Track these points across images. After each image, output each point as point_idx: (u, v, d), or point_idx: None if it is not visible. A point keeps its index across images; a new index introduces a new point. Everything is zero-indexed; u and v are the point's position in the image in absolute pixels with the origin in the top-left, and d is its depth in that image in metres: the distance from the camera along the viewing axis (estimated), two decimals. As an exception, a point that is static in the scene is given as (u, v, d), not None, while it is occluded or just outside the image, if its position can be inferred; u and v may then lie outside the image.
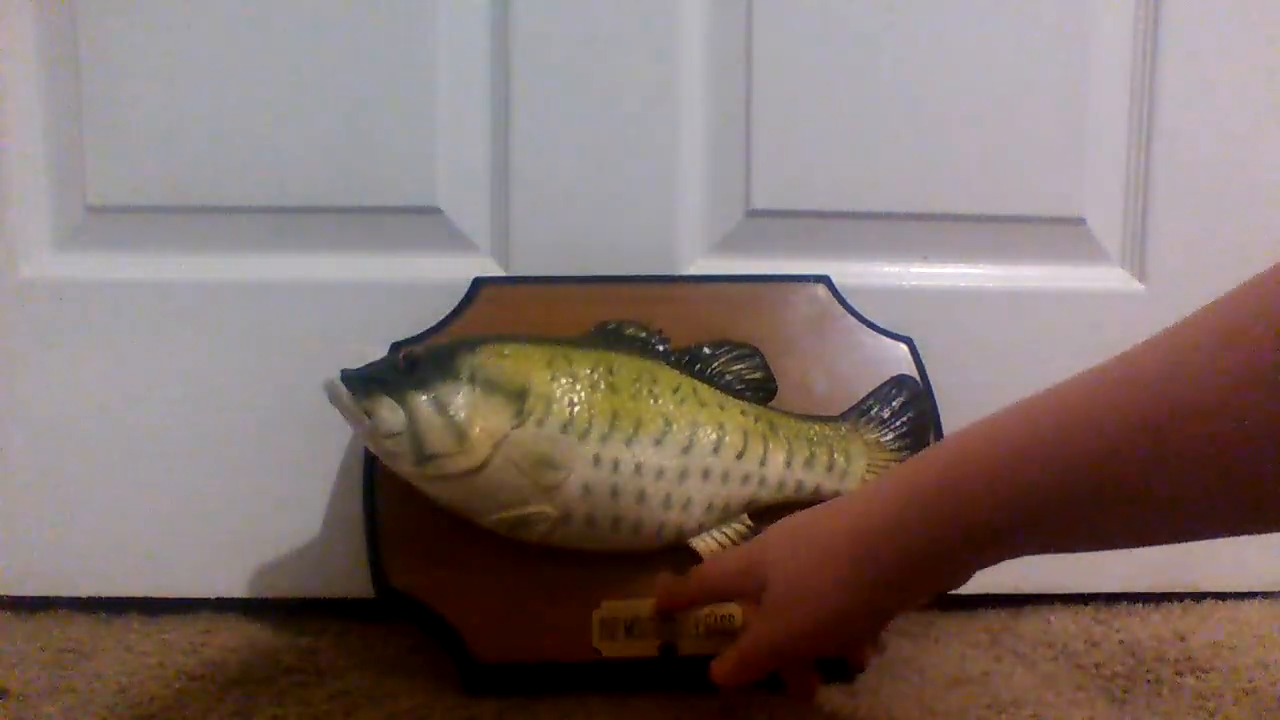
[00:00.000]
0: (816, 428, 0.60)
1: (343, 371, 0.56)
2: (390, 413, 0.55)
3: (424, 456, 0.55)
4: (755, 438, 0.59)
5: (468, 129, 0.69)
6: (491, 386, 0.57)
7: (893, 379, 0.63)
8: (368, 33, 0.68)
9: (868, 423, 0.61)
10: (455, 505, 0.57)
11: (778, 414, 0.60)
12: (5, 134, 0.68)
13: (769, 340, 0.62)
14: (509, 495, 0.56)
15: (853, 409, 0.62)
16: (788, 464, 0.59)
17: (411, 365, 0.56)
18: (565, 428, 0.57)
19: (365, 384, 0.55)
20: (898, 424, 0.61)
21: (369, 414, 0.55)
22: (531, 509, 0.56)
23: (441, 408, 0.56)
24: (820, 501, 0.59)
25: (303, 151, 0.68)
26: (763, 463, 0.59)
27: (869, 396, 0.62)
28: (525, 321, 0.62)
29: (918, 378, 0.63)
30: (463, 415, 0.56)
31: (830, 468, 0.60)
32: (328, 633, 0.66)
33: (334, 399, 0.55)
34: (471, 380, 0.57)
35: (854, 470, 0.60)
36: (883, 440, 0.61)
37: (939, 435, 0.63)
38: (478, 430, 0.56)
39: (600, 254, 0.68)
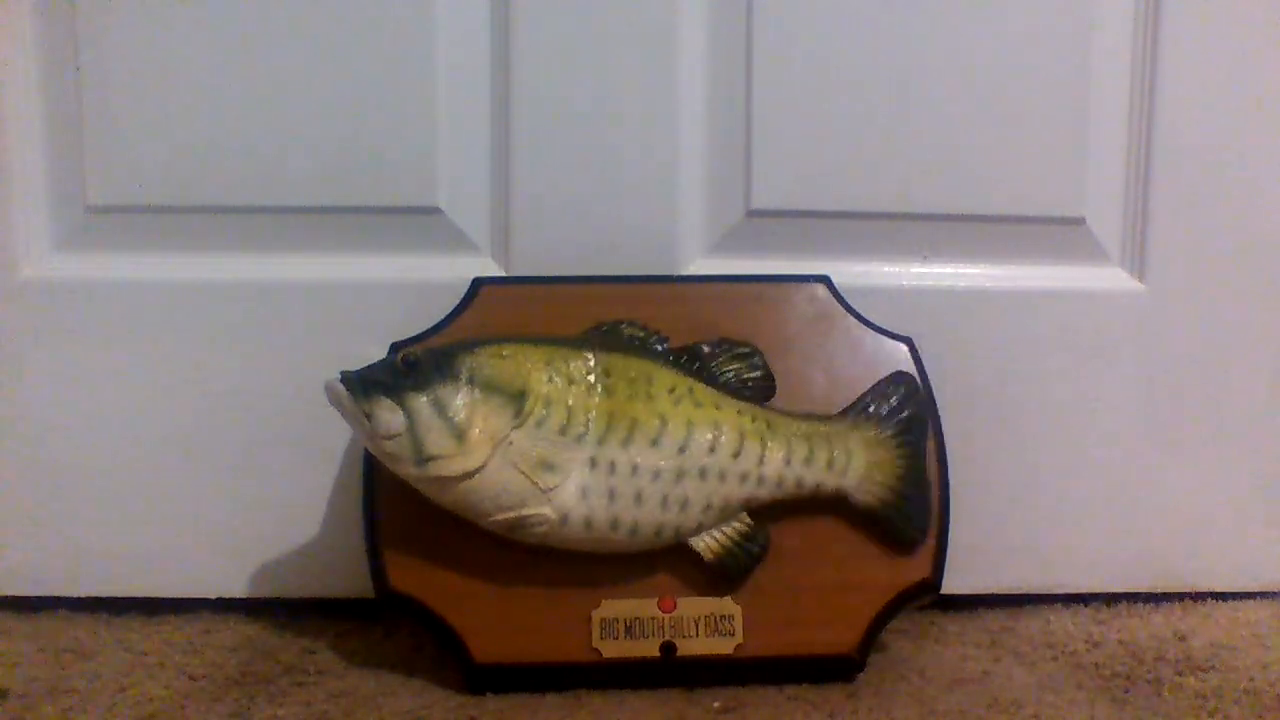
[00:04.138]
0: (815, 425, 0.60)
1: (342, 373, 0.56)
2: (389, 414, 0.55)
3: (423, 458, 0.55)
4: (752, 436, 0.59)
5: (468, 129, 0.69)
6: (491, 387, 0.57)
7: (890, 376, 0.63)
8: (368, 33, 0.68)
9: (865, 419, 0.61)
10: (454, 507, 0.57)
11: (775, 412, 0.60)
12: (5, 134, 0.68)
13: (769, 340, 0.62)
14: (508, 497, 0.56)
15: (851, 406, 0.62)
16: (786, 461, 0.59)
17: (410, 366, 0.56)
18: (563, 430, 0.57)
19: (365, 385, 0.55)
20: (895, 421, 0.61)
21: (368, 415, 0.55)
22: (530, 511, 0.56)
23: (441, 409, 0.56)
24: (821, 498, 0.60)
25: (303, 151, 0.68)
26: (760, 461, 0.59)
27: (866, 394, 0.62)
28: (525, 321, 0.62)
29: (916, 376, 0.63)
30: (462, 416, 0.56)
31: (830, 465, 0.60)
32: (328, 633, 0.66)
33: (334, 400, 0.55)
34: (471, 381, 0.57)
35: (854, 466, 0.60)
36: (880, 437, 0.61)
37: (938, 434, 0.63)
38: (477, 431, 0.56)
39: (600, 254, 0.68)
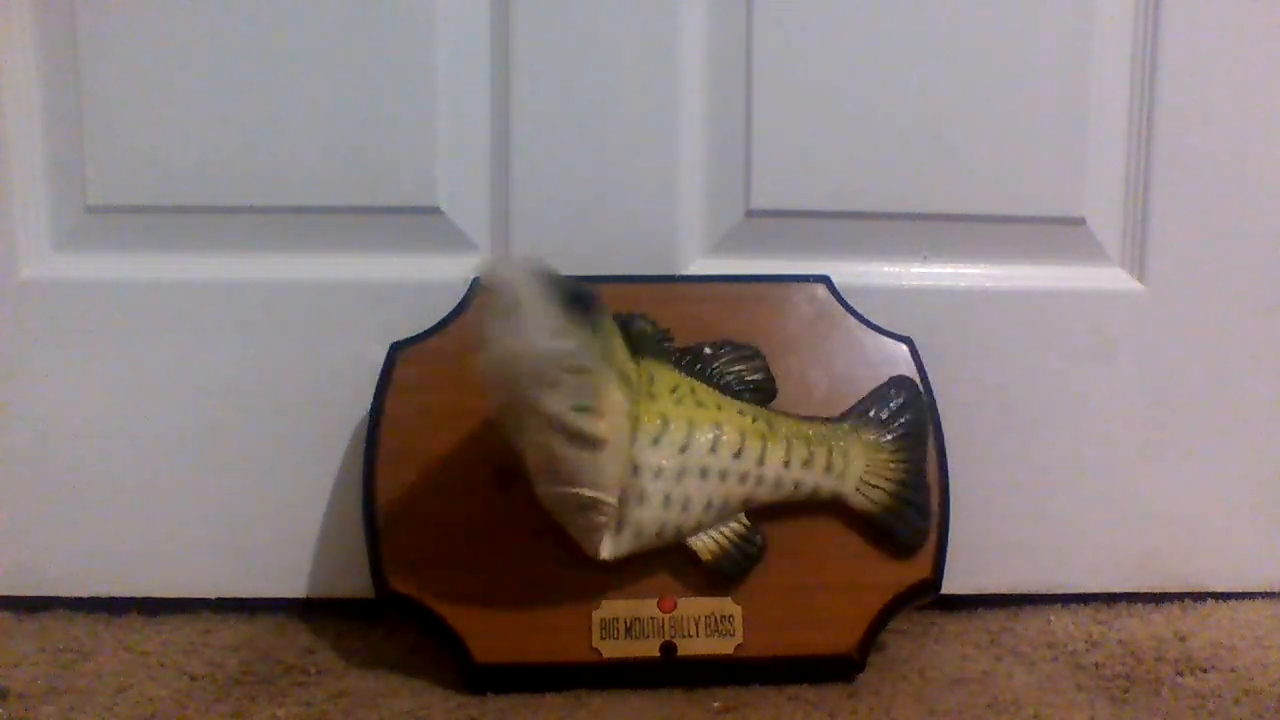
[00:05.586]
0: (815, 427, 0.60)
1: (527, 268, 0.50)
2: (578, 345, 0.52)
3: (582, 404, 0.52)
4: (753, 437, 0.59)
5: (468, 129, 0.69)
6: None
7: (890, 380, 0.63)
8: (368, 33, 0.68)
9: (865, 424, 0.61)
10: (555, 466, 0.54)
11: (776, 414, 0.60)
12: (5, 134, 0.68)
13: (769, 340, 0.62)
14: (605, 477, 0.55)
15: (851, 410, 0.62)
16: (785, 463, 0.59)
17: (588, 306, 0.53)
18: None
19: (571, 300, 0.52)
20: (895, 426, 0.61)
21: (557, 333, 0.51)
22: (610, 499, 0.55)
23: (610, 361, 0.54)
24: (818, 501, 0.60)
25: (303, 151, 0.68)
26: (760, 462, 0.59)
27: (867, 398, 0.62)
28: (525, 321, 0.62)
29: (916, 378, 0.63)
30: (614, 380, 0.54)
31: (829, 468, 0.60)
32: (328, 633, 0.66)
33: (508, 297, 0.50)
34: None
35: (852, 470, 0.60)
36: (880, 442, 0.61)
37: (938, 436, 0.63)
38: (619, 398, 0.55)
39: (600, 254, 0.68)
